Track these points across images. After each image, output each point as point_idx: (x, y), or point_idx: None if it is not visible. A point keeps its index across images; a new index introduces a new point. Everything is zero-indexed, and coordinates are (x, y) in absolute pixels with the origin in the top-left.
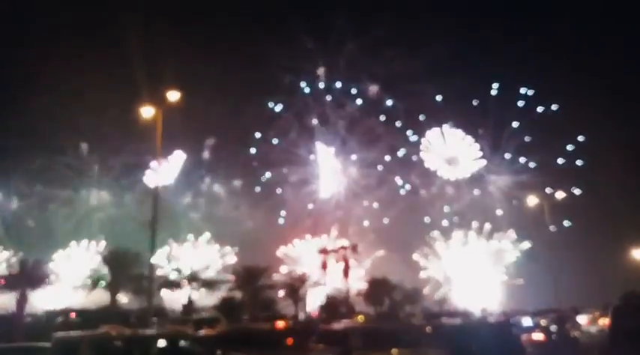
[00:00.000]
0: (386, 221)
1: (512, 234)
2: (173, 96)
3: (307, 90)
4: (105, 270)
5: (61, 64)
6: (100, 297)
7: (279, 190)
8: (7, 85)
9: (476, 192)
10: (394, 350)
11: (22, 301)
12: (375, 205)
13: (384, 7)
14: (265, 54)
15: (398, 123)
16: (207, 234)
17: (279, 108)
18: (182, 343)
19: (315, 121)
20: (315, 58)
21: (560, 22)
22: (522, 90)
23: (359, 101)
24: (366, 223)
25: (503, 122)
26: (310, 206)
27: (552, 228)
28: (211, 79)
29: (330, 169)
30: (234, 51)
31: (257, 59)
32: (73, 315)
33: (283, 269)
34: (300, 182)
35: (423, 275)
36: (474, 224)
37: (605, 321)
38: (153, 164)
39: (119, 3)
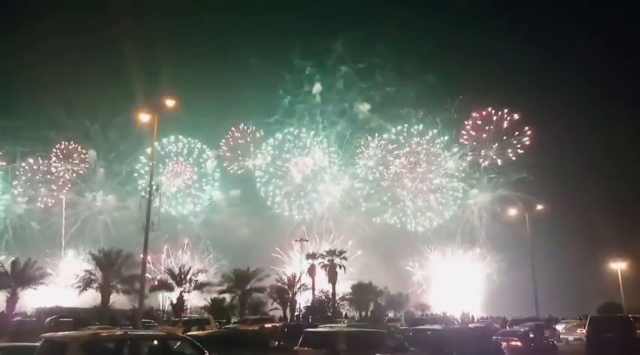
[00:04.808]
0: (374, 229)
1: (493, 244)
2: (170, 103)
3: (303, 109)
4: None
5: (67, 70)
6: (92, 297)
7: (274, 200)
8: (12, 91)
9: (458, 205)
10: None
11: (12, 300)
12: (365, 215)
13: (378, 36)
14: (266, 76)
15: (385, 141)
16: (203, 239)
17: (276, 125)
18: (172, 344)
19: (310, 136)
20: (311, 80)
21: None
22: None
23: (351, 119)
24: (355, 231)
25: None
26: (303, 215)
27: (532, 238)
28: (213, 96)
29: (323, 181)
30: (239, 74)
31: (259, 81)
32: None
33: (273, 273)
34: (294, 192)
35: (407, 281)
36: (457, 235)
37: (582, 330)
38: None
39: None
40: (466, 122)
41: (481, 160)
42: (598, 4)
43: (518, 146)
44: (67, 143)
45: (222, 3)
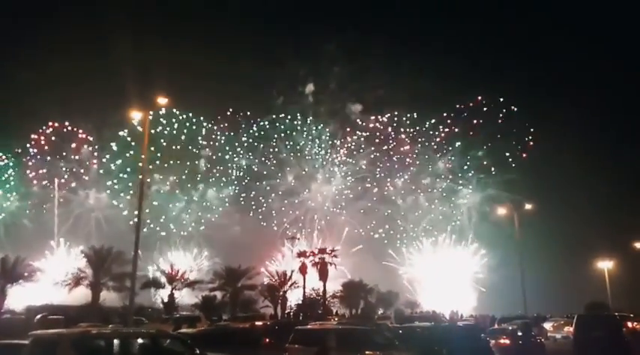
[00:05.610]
0: (365, 228)
1: (481, 243)
2: (162, 100)
3: (296, 109)
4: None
5: (62, 68)
6: (82, 295)
7: (267, 199)
8: (7, 91)
9: (448, 204)
10: (368, 352)
11: (0, 297)
12: (356, 213)
13: (371, 38)
14: (259, 77)
15: (377, 140)
16: (195, 237)
17: (270, 124)
18: (163, 341)
19: (304, 136)
20: (304, 81)
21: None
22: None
23: (344, 119)
24: (346, 229)
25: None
26: (295, 214)
27: (520, 237)
28: (206, 96)
29: (316, 180)
30: (233, 74)
31: (252, 82)
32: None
33: (265, 271)
34: (287, 192)
35: (397, 279)
36: (446, 233)
37: (569, 329)
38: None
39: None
40: (452, 114)
41: (468, 165)
42: (597, 5)
43: (519, 147)
44: (59, 124)
45: (217, 3)
